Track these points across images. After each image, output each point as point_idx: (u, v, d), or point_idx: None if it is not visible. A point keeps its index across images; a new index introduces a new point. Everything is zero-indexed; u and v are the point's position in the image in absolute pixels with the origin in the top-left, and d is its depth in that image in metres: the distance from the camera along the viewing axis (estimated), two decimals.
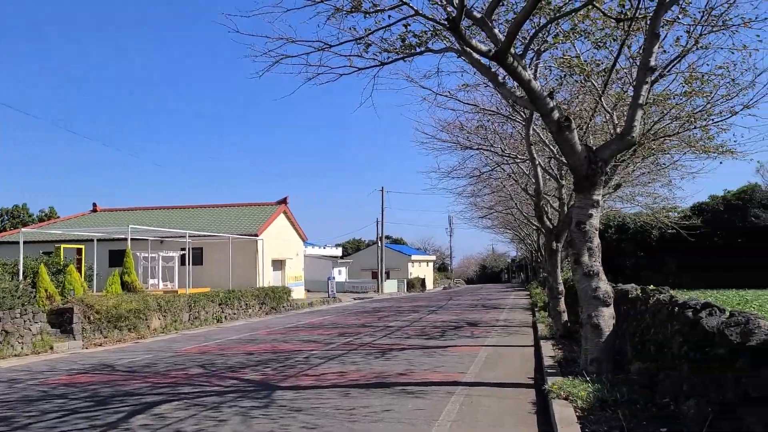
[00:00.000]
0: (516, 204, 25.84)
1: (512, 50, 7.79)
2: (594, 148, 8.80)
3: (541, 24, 9.42)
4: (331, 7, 8.57)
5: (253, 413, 7.51)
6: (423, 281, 71.97)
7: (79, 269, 22.27)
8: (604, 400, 6.65)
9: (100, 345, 16.60)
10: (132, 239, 24.12)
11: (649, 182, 21.76)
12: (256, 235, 32.68)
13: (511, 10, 9.60)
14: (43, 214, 60.00)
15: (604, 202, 16.23)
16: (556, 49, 11.40)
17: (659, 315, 7.24)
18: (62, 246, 24.31)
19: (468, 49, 8.34)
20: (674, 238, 35.49)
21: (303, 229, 41.35)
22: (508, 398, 8.20)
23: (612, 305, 8.36)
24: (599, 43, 10.52)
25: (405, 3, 8.23)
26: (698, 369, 5.50)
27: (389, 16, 8.59)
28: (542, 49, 11.43)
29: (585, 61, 11.34)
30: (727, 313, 5.37)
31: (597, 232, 8.58)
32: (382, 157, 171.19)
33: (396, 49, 9.25)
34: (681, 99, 12.45)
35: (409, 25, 8.78)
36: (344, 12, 8.62)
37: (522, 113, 14.56)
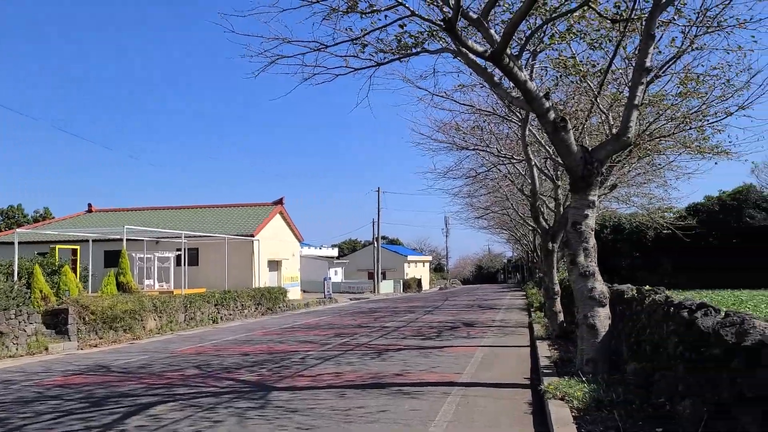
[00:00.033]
0: (512, 204, 25.85)
1: (508, 51, 7.80)
2: (590, 148, 8.82)
3: (537, 25, 9.43)
4: (327, 8, 8.56)
5: (249, 414, 7.50)
6: (419, 282, 72.01)
7: (74, 270, 22.18)
8: (600, 401, 6.66)
9: (96, 346, 16.55)
10: (127, 240, 24.07)
11: (645, 183, 21.79)
12: (252, 236, 32.64)
13: (508, 10, 9.61)
14: (38, 214, 59.81)
15: (599, 203, 16.26)
16: (552, 49, 11.41)
17: (655, 315, 7.25)
18: (57, 246, 24.25)
19: (464, 49, 8.34)
20: (670, 239, 35.61)
21: (299, 230, 41.35)
22: (504, 399, 8.21)
23: (608, 305, 8.37)
24: (595, 44, 10.53)
25: (401, 4, 8.23)
26: (694, 369, 5.51)
27: (386, 16, 8.59)
28: (538, 50, 11.45)
29: (581, 61, 11.35)
30: (723, 314, 5.38)
31: (593, 233, 8.59)
32: (380, 157, 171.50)
33: (392, 49, 9.25)
34: (676, 100, 12.48)
35: (405, 26, 8.77)
36: (340, 12, 8.61)
37: (518, 114, 14.58)
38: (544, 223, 16.35)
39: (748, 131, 16.09)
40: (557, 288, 15.80)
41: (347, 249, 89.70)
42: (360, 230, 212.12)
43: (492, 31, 8.13)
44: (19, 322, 15.07)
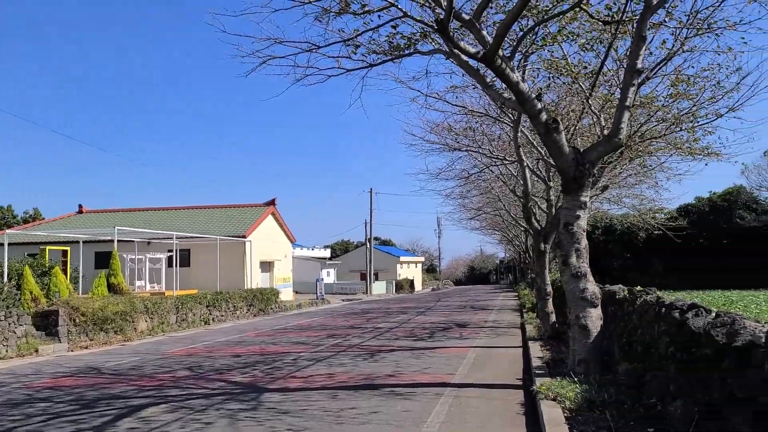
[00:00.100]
0: (504, 205, 25.90)
1: (500, 52, 7.81)
2: (581, 149, 8.85)
3: (529, 26, 9.45)
4: (319, 8, 8.55)
5: (240, 416, 7.47)
6: (412, 282, 72.03)
7: (64, 271, 22.04)
8: (592, 401, 6.68)
9: (86, 348, 16.45)
10: (118, 241, 23.93)
11: (636, 184, 21.90)
12: (244, 237, 32.54)
13: (501, 11, 9.63)
14: (28, 215, 59.38)
15: (591, 204, 16.33)
16: (544, 50, 11.44)
17: (646, 316, 7.28)
18: (47, 248, 24.12)
19: (456, 51, 8.35)
20: (661, 240, 35.82)
21: (291, 231, 41.26)
22: (496, 399, 8.21)
23: (599, 306, 8.39)
24: (587, 46, 10.58)
25: (393, 5, 8.23)
26: (685, 369, 5.53)
27: (379, 16, 8.59)
28: (530, 52, 11.48)
29: (572, 63, 11.40)
30: (713, 314, 5.40)
31: (584, 234, 8.62)
32: (373, 158, 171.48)
33: (384, 50, 9.25)
34: (667, 101, 12.55)
35: (397, 26, 8.77)
36: (332, 13, 8.61)
37: (510, 115, 14.61)
38: (536, 224, 16.39)
39: (738, 133, 16.22)
40: (549, 289, 15.84)
41: (340, 250, 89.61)
42: (352, 231, 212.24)
43: (484, 33, 8.14)
44: (9, 324, 14.95)
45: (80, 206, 41.05)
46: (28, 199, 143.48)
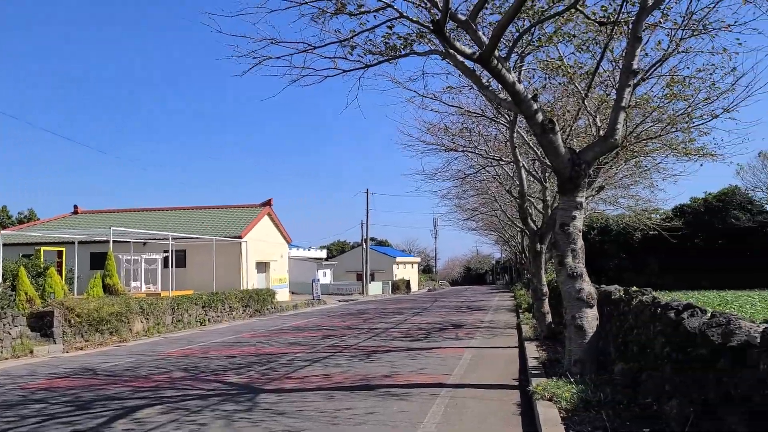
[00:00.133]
0: (500, 206, 25.94)
1: (496, 53, 7.82)
2: (577, 150, 8.86)
3: (525, 27, 9.47)
4: (316, 9, 8.55)
5: (236, 417, 7.45)
6: (408, 283, 72.03)
7: (59, 272, 21.99)
8: (588, 401, 6.69)
9: (81, 349, 16.39)
10: (114, 241, 23.86)
11: (632, 184, 21.94)
12: (240, 237, 32.49)
13: (497, 12, 9.64)
14: (23, 216, 59.18)
15: (587, 204, 16.34)
16: (540, 51, 11.46)
17: (642, 316, 7.30)
18: (42, 248, 24.02)
19: (452, 51, 8.36)
20: (656, 240, 35.87)
21: (287, 231, 41.23)
22: (492, 400, 8.21)
23: (595, 306, 8.41)
24: (582, 47, 10.60)
25: (389, 5, 8.23)
26: (680, 369, 5.54)
27: (375, 17, 8.59)
28: (526, 52, 11.49)
29: (568, 64, 11.42)
30: (709, 314, 5.42)
31: (580, 234, 8.63)
32: (369, 158, 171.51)
33: (381, 51, 9.25)
34: (663, 102, 12.58)
35: (393, 27, 8.78)
36: (328, 14, 8.61)
37: (506, 116, 14.63)
38: (532, 225, 16.41)
39: (733, 134, 16.29)
40: (545, 289, 15.86)
41: (336, 250, 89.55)
42: (349, 232, 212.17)
43: (480, 34, 8.15)
44: (4, 325, 14.88)
45: (75, 207, 40.94)
46: (24, 200, 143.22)
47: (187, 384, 10.07)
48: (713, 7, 9.68)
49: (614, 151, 12.44)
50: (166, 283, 26.83)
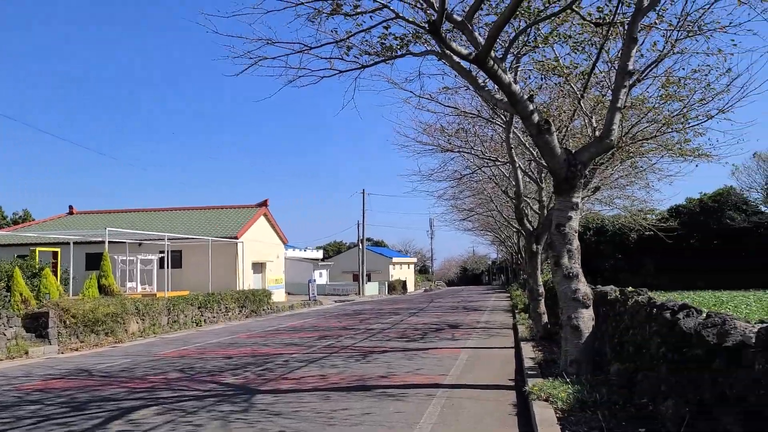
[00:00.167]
0: (496, 206, 25.96)
1: (492, 53, 7.83)
2: (573, 151, 8.88)
3: (521, 28, 9.48)
4: (311, 9, 8.54)
5: (232, 417, 7.44)
6: (404, 283, 72.02)
7: (54, 273, 21.89)
8: (584, 401, 6.70)
9: (77, 350, 16.34)
10: (109, 242, 23.80)
11: (627, 185, 22.02)
12: (236, 238, 32.45)
13: (493, 13, 9.65)
14: (17, 216, 58.95)
15: (583, 205, 16.39)
16: (536, 52, 11.48)
17: (638, 316, 7.31)
18: (37, 249, 23.94)
19: (448, 52, 8.36)
20: (652, 240, 36.03)
21: (284, 232, 41.19)
22: (489, 400, 8.22)
23: (591, 307, 8.42)
24: (578, 47, 10.62)
25: (385, 6, 8.23)
26: (676, 369, 5.56)
27: (371, 17, 8.59)
28: (522, 53, 11.52)
29: (564, 64, 11.44)
30: (704, 315, 5.43)
31: (576, 235, 8.65)
32: (365, 159, 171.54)
33: (377, 51, 9.25)
34: (658, 103, 12.62)
35: (389, 27, 8.78)
36: (324, 14, 8.60)
37: (502, 116, 14.64)
38: (528, 225, 16.43)
39: (728, 134, 16.36)
40: (541, 289, 15.88)
41: (332, 251, 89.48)
42: (345, 232, 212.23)
43: (476, 34, 8.15)
44: None
45: (71, 207, 40.83)
46: (22, 201, 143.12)
47: (183, 385, 10.05)
48: (708, 9, 9.72)
49: (610, 152, 12.49)
50: (162, 283, 26.76)
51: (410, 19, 8.60)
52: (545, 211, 15.86)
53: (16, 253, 27.12)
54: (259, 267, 37.47)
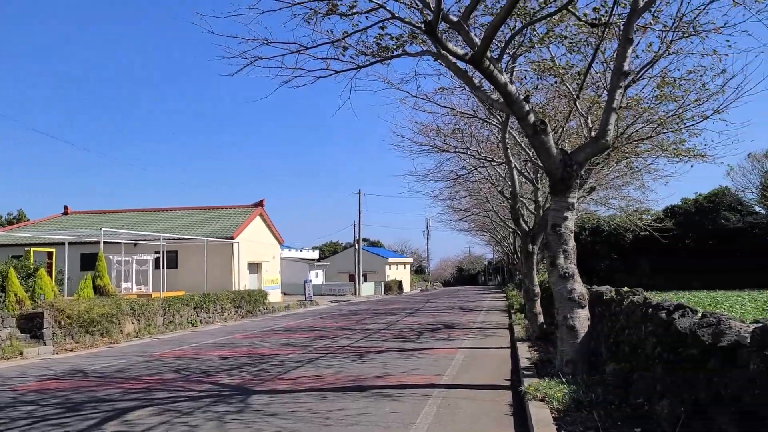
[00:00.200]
0: (492, 207, 25.98)
1: (488, 54, 7.83)
2: (569, 151, 8.89)
3: (517, 28, 9.49)
4: (308, 9, 8.53)
5: (228, 418, 7.42)
6: (400, 284, 72.02)
7: (49, 273, 21.81)
8: (580, 401, 6.71)
9: (72, 350, 16.28)
10: (105, 242, 23.73)
11: (623, 185, 22.05)
12: (232, 238, 32.38)
13: (489, 13, 9.66)
14: (12, 217, 58.72)
15: (578, 205, 16.40)
16: (532, 52, 11.50)
17: (633, 316, 7.33)
18: (32, 249, 23.81)
19: (444, 52, 8.36)
20: (647, 241, 36.08)
21: (280, 232, 41.14)
22: (485, 400, 8.23)
23: (587, 307, 8.44)
24: (574, 48, 10.64)
25: (381, 6, 8.23)
26: (671, 369, 5.57)
27: (367, 17, 8.59)
28: (518, 53, 11.53)
29: (560, 65, 11.46)
30: (700, 315, 5.44)
31: (572, 235, 8.66)
32: (361, 159, 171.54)
33: (373, 51, 9.25)
34: (654, 103, 12.65)
35: (386, 28, 8.78)
36: (320, 14, 8.59)
37: (498, 116, 14.66)
38: (524, 225, 16.45)
39: (723, 135, 16.39)
40: (537, 290, 15.90)
41: (328, 251, 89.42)
42: (341, 232, 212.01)
43: (472, 35, 8.16)
44: None
45: (66, 207, 40.68)
46: (19, 201, 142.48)
47: (179, 385, 10.02)
48: (703, 9, 9.75)
49: (606, 152, 12.51)
50: (158, 284, 26.70)
51: (406, 20, 8.60)
52: (541, 212, 15.88)
53: (10, 253, 27.00)
54: (255, 267, 37.42)
